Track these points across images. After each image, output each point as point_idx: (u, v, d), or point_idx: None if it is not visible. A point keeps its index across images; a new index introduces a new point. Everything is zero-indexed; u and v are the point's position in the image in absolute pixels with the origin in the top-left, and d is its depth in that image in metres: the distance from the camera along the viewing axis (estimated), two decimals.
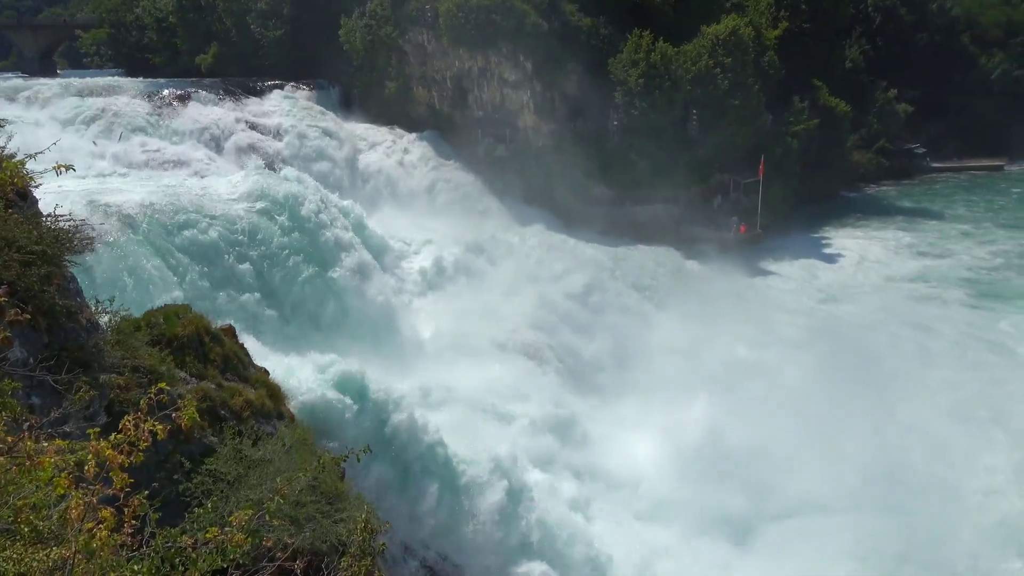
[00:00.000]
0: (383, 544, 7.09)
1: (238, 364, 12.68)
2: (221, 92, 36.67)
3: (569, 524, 17.14)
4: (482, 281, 30.62)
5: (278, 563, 5.28)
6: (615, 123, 44.81)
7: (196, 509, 5.52)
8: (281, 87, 39.46)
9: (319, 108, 39.05)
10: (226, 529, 4.61)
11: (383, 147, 39.59)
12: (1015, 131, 66.83)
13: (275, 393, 12.69)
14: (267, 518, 4.95)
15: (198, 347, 11.94)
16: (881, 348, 30.03)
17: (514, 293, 30.05)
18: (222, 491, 8.56)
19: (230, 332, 13.51)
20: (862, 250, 45.46)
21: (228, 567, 4.53)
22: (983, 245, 46.29)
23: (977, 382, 27.25)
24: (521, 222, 38.62)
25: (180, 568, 4.35)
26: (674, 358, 27.95)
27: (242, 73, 42.36)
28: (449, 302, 28.04)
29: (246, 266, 19.83)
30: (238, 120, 34.54)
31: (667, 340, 29.97)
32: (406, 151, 40.03)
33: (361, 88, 43.97)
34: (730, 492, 19.49)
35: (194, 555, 4.37)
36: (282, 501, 5.08)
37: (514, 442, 18.34)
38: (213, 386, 11.37)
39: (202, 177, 26.30)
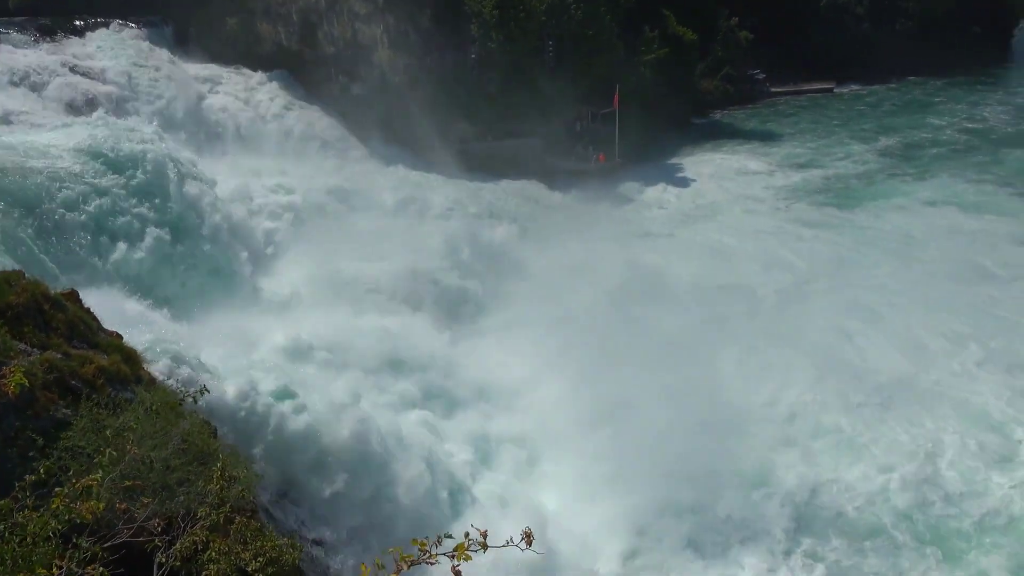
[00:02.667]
0: (241, 490, 6.97)
1: (85, 330, 11.78)
2: (35, 33, 32.91)
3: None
4: (345, 226, 29.74)
5: (136, 524, 5.06)
6: (473, 56, 44.23)
7: (27, 477, 5.14)
8: (107, 25, 35.80)
9: (151, 47, 35.83)
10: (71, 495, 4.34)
11: (228, 89, 37.06)
12: (842, 56, 71.82)
13: (131, 356, 11.91)
14: (117, 480, 4.70)
15: (37, 315, 10.96)
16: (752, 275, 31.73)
17: (380, 237, 29.48)
18: (82, 465, 8.03)
19: (73, 297, 12.50)
20: (718, 172, 47.84)
21: (77, 535, 4.28)
22: (828, 159, 50.01)
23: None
24: (383, 163, 37.71)
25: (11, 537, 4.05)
26: (545, 291, 28.52)
27: (57, 10, 38.06)
28: (311, 251, 26.98)
29: (81, 226, 18.29)
30: (62, 64, 31.18)
31: (538, 273, 30.53)
32: (254, 92, 37.75)
33: (199, 25, 40.65)
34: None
35: (23, 519, 4.09)
36: (114, 455, 4.82)
37: (382, 388, 18.24)
38: (59, 355, 10.52)
39: (26, 128, 23.78)
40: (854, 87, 72.16)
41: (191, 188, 22.23)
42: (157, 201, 20.71)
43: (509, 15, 41.17)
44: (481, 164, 41.24)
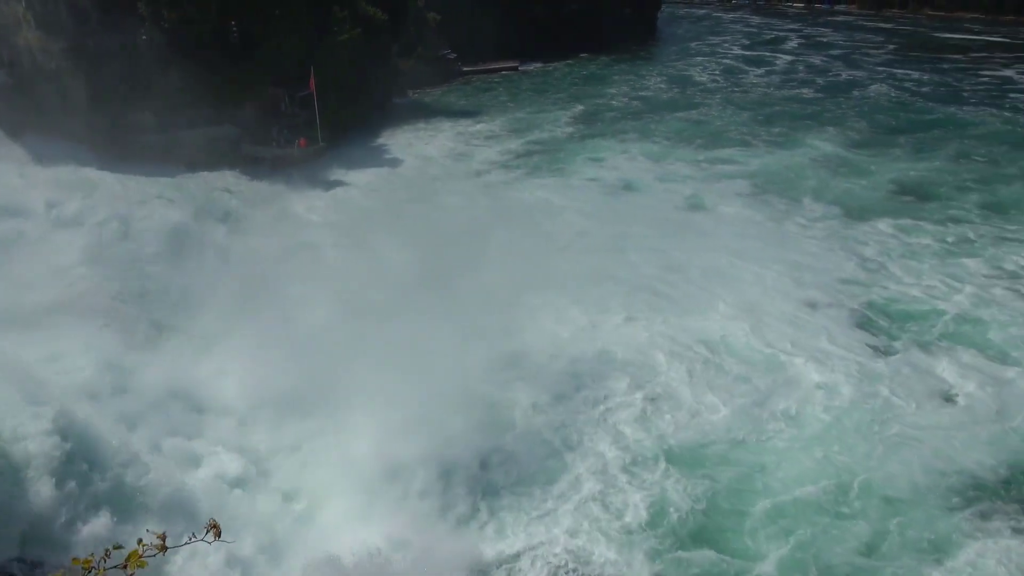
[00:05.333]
0: None
1: None
2: None
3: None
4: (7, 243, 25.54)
5: None
6: (144, 38, 40.15)
7: None
8: None
9: None
10: None
11: None
12: (520, 35, 77.35)
13: None
14: None
15: None
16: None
17: (54, 249, 25.82)
18: None
19: None
20: (425, 150, 48.87)
21: None
22: (531, 128, 53.65)
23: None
24: (44, 162, 32.94)
25: None
26: (256, 285, 27.05)
27: None
28: None
29: None
30: None
31: (246, 268, 28.87)
32: None
33: None
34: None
35: None
36: None
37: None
38: None
39: None
40: (536, 64, 78.15)
41: None
42: None
43: None
44: (171, 156, 37.87)
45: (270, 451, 18.27)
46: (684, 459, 18.65)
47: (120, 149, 36.06)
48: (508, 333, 23.62)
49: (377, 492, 16.80)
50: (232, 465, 17.22)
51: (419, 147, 49.55)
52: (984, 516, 16.51)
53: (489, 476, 18.04)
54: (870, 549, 15.79)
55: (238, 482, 16.90)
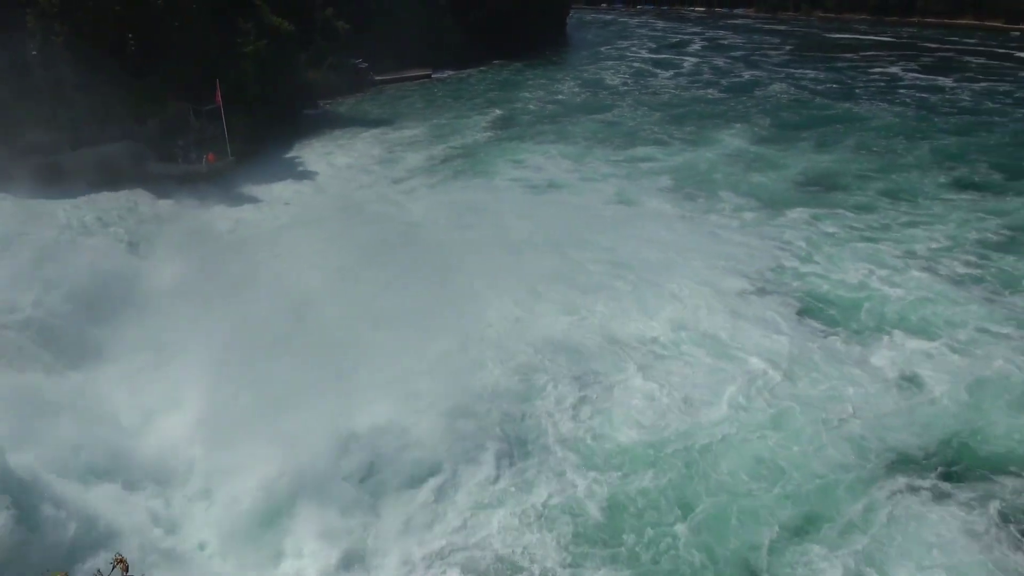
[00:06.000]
0: None
1: None
2: None
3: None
4: None
5: None
6: (34, 53, 37.89)
7: None
8: None
9: None
10: None
11: None
12: (432, 43, 77.18)
13: None
14: None
15: None
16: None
17: None
18: None
19: None
20: (343, 159, 47.87)
21: None
22: (449, 134, 53.07)
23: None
24: None
25: None
26: (176, 311, 25.58)
27: None
28: None
29: None
30: None
31: (163, 292, 27.31)
32: None
33: None
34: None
35: None
36: None
37: None
38: None
39: None
40: (449, 72, 78.09)
41: None
42: None
43: (75, 4, 35.98)
44: (69, 177, 35.78)
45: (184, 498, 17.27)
46: (618, 452, 18.70)
47: (15, 171, 33.81)
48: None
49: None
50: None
51: (338, 156, 48.54)
52: (913, 490, 17.14)
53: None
54: (800, 529, 16.16)
55: None
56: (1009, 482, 17.35)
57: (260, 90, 47.97)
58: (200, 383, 19.60)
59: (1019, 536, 15.81)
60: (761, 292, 27.02)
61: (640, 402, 20.64)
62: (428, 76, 75.82)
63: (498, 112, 60.16)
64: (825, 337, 23.86)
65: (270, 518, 16.23)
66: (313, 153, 49.09)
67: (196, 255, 30.19)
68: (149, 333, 23.38)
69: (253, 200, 40.00)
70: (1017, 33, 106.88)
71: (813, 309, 25.78)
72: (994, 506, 16.54)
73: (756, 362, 22.23)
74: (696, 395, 20.85)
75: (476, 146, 50.70)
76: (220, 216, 36.84)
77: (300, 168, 46.08)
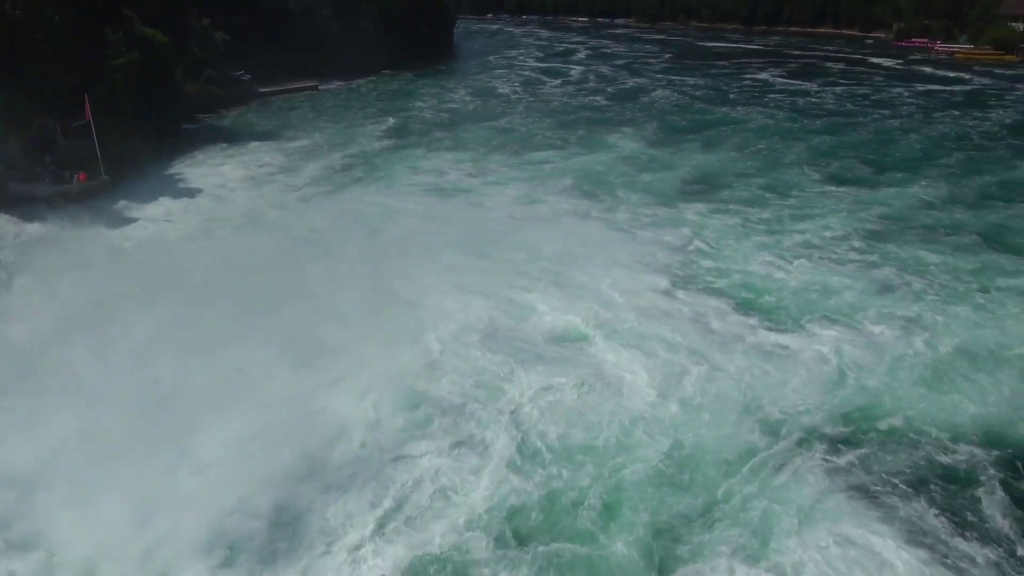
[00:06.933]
0: None
1: None
2: None
3: None
4: None
5: None
6: None
7: None
8: None
9: None
10: None
11: None
12: (318, 55, 75.31)
13: None
14: None
15: None
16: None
17: None
18: None
19: None
20: (221, 176, 45.19)
21: None
22: (339, 146, 51.54)
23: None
24: None
25: None
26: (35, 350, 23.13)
27: None
28: None
29: None
30: None
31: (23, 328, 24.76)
32: None
33: None
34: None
35: None
36: None
37: None
38: None
39: None
40: (337, 83, 76.29)
41: None
42: None
43: None
44: None
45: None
46: (528, 453, 18.46)
47: None
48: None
49: None
50: None
51: (227, 170, 45.94)
52: (828, 471, 17.62)
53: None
54: (705, 512, 16.39)
55: None
56: (902, 448, 18.30)
57: (133, 104, 45.11)
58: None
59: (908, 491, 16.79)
60: (674, 283, 27.58)
61: (558, 396, 20.48)
62: (315, 87, 73.81)
63: (392, 121, 59.14)
64: (737, 325, 24.43)
65: None
66: (197, 168, 46.42)
67: (66, 282, 27.57)
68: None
69: (130, 220, 37.11)
70: (871, 40, 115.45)
71: (725, 298, 26.40)
72: (882, 469, 17.55)
73: (669, 352, 22.49)
74: (612, 385, 20.95)
75: (375, 153, 49.71)
76: (94, 239, 33.93)
77: (181, 184, 43.38)
